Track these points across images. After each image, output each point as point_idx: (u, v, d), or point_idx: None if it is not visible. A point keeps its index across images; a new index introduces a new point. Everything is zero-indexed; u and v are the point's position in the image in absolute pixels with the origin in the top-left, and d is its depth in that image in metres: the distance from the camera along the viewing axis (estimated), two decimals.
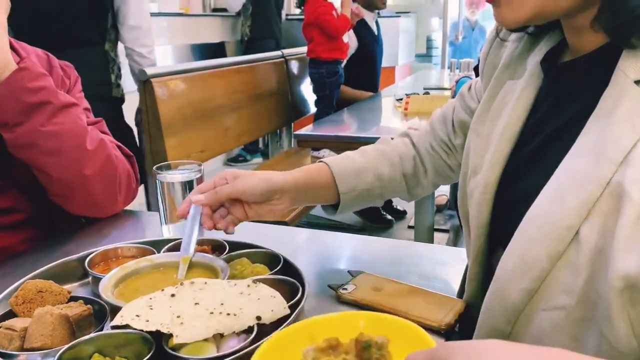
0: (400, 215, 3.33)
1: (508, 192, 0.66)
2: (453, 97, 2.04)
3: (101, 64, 2.10)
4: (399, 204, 3.37)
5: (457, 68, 3.60)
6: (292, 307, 0.67)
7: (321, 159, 0.88)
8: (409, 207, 3.12)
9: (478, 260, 0.71)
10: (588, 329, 0.54)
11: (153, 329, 0.59)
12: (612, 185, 0.50)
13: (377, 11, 3.38)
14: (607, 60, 0.56)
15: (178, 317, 0.61)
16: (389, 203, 3.33)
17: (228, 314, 0.62)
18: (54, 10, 1.96)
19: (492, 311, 0.61)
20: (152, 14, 4.47)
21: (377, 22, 3.43)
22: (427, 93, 2.91)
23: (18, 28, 1.77)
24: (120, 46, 2.21)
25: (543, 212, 0.55)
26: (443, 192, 3.33)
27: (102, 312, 0.69)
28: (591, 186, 0.51)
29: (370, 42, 3.34)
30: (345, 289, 0.77)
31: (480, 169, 0.69)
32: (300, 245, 1.02)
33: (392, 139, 0.94)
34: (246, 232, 0.85)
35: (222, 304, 0.64)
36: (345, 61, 3.19)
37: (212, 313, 0.62)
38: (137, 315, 0.62)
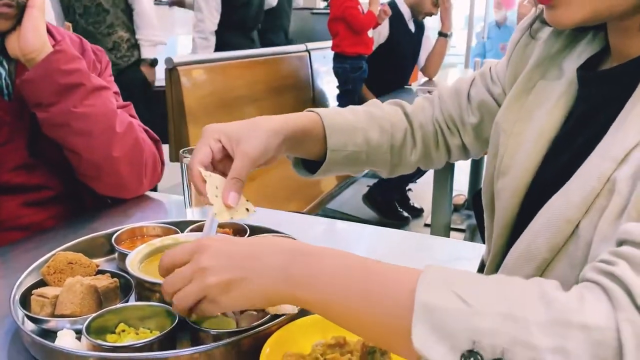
0: (417, 212, 3.33)
1: (537, 201, 0.64)
2: None
3: (286, 41, 3.80)
4: (416, 201, 3.37)
5: (481, 67, 3.56)
6: None
7: (311, 109, 0.80)
8: (426, 205, 3.12)
9: (496, 261, 0.70)
10: None
11: None
12: (610, 182, 0.50)
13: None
14: None
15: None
16: (405, 200, 3.34)
17: None
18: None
19: None
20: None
21: (420, 23, 3.39)
22: None
23: (239, 24, 3.26)
24: None
25: (549, 205, 0.56)
26: (461, 191, 3.33)
27: (127, 286, 0.72)
28: (593, 182, 0.52)
29: (402, 36, 3.30)
30: None
31: (510, 170, 0.68)
32: (319, 234, 1.04)
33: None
34: (265, 219, 0.88)
35: None
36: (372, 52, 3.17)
37: None
38: None
